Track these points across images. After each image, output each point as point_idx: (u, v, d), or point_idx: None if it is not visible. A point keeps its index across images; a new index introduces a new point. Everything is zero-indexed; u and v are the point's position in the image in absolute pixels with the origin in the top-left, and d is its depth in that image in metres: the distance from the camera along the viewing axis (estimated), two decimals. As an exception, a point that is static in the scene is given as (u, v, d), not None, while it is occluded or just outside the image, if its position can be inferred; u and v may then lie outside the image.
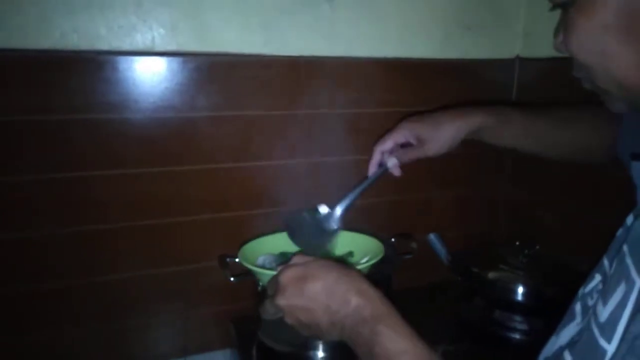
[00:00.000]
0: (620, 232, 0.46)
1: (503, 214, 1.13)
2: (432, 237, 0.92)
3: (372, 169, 0.76)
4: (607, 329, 0.37)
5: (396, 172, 0.75)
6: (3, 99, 0.72)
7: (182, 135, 0.82)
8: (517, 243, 0.92)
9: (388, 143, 0.74)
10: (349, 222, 0.88)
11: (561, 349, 0.44)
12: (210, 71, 0.82)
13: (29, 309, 0.79)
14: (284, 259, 0.71)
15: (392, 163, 0.74)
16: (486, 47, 1.02)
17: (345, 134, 0.93)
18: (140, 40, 0.77)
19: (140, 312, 0.86)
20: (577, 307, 0.46)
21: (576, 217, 0.93)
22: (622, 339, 0.35)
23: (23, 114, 0.73)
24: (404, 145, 0.75)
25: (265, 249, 0.79)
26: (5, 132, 0.72)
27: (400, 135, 0.74)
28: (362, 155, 0.94)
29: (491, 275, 0.87)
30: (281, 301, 0.52)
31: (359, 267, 0.67)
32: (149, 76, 0.78)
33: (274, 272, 0.56)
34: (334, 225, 0.75)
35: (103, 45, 0.75)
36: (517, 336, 0.84)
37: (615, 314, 0.36)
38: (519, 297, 0.83)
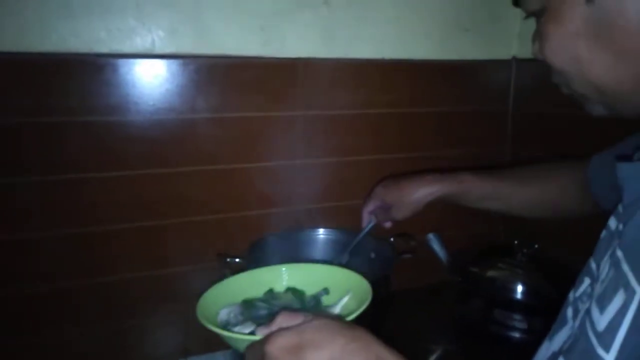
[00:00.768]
0: (604, 234, 0.46)
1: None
2: (431, 236, 0.92)
3: (364, 224, 0.87)
4: (606, 338, 0.36)
5: (386, 225, 0.86)
6: (2, 101, 0.72)
7: (182, 137, 0.82)
8: (516, 242, 0.92)
9: (370, 206, 0.85)
10: (349, 221, 0.88)
11: (555, 355, 0.44)
12: (210, 73, 0.82)
13: (29, 310, 0.79)
14: (251, 309, 0.60)
15: (372, 224, 0.86)
16: (483, 48, 1.02)
17: (344, 135, 0.93)
18: (139, 43, 0.77)
19: (141, 313, 0.86)
20: (569, 312, 0.46)
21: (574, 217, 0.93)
22: (621, 349, 0.35)
23: (22, 117, 0.73)
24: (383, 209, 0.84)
25: (225, 299, 0.62)
26: (4, 135, 0.73)
27: (375, 199, 0.85)
28: (361, 156, 0.95)
29: (490, 274, 0.87)
30: None
31: (350, 317, 0.52)
32: (149, 79, 0.79)
33: (250, 337, 0.46)
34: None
35: (103, 48, 0.75)
36: (516, 335, 0.85)
37: (614, 323, 0.36)
38: (518, 296, 0.84)
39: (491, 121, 1.08)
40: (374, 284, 0.75)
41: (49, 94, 0.74)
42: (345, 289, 0.61)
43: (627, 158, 0.47)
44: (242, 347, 0.48)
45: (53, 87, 0.74)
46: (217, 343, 0.92)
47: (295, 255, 0.91)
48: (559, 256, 0.90)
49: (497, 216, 1.13)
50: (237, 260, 0.82)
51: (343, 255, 0.88)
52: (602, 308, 0.38)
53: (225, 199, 0.87)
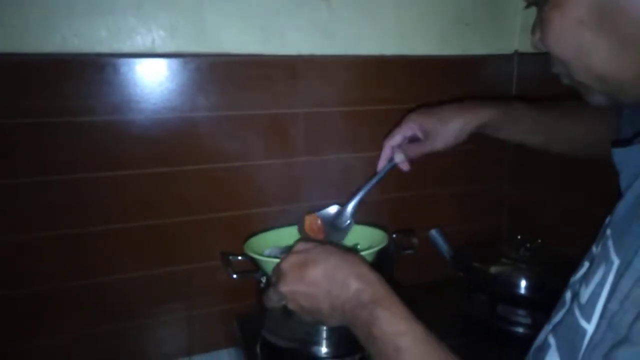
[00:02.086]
0: (608, 219, 0.46)
1: (505, 209, 1.13)
2: (433, 232, 0.92)
3: (382, 163, 0.77)
4: (587, 309, 0.37)
5: (404, 167, 0.75)
6: (3, 102, 0.72)
7: (183, 135, 0.82)
8: (519, 237, 0.92)
9: (397, 137, 0.75)
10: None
11: (548, 332, 0.45)
12: (210, 71, 0.82)
13: (30, 313, 0.79)
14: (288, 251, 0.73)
15: (399, 158, 0.74)
16: (485, 42, 1.02)
17: (345, 132, 0.93)
18: (140, 42, 0.77)
19: (144, 312, 0.86)
20: (568, 294, 0.46)
21: (578, 210, 0.93)
22: (601, 318, 0.35)
23: (24, 117, 0.73)
24: (413, 140, 0.75)
25: (272, 243, 0.81)
26: (6, 136, 0.73)
27: (407, 128, 0.74)
28: (362, 153, 0.95)
29: (493, 269, 0.87)
30: (283, 287, 0.54)
31: (363, 253, 0.68)
32: (150, 77, 0.79)
33: (277, 261, 0.57)
34: (346, 221, 0.80)
35: (103, 48, 0.76)
36: (520, 330, 0.84)
37: (595, 294, 0.37)
38: (522, 291, 0.83)
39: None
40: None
41: (50, 95, 0.74)
42: (370, 243, 0.78)
43: (625, 142, 0.46)
44: (270, 269, 0.62)
45: (54, 88, 0.74)
46: (221, 341, 0.93)
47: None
48: (563, 251, 0.89)
49: (498, 211, 1.13)
50: (239, 258, 0.82)
51: (348, 206, 0.80)
52: (587, 283, 0.39)
53: (227, 197, 0.87)
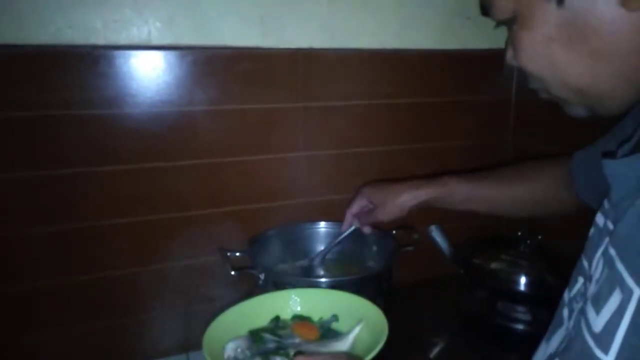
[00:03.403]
0: (592, 231, 0.46)
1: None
2: (433, 229, 0.91)
3: (345, 227, 0.87)
4: (604, 340, 0.36)
5: (365, 230, 0.85)
6: (-3, 95, 0.71)
7: (180, 129, 0.81)
8: (519, 233, 0.91)
9: (354, 207, 0.85)
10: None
11: (551, 357, 0.44)
12: (208, 65, 0.81)
13: (27, 308, 0.78)
14: (259, 342, 0.60)
15: (356, 224, 0.85)
16: (485, 36, 1.00)
17: (345, 126, 0.92)
18: (136, 34, 0.76)
19: (141, 309, 0.86)
20: (565, 312, 0.46)
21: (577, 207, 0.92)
22: (621, 350, 0.34)
23: (18, 110, 0.72)
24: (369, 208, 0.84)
25: (230, 332, 0.61)
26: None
27: (361, 200, 0.84)
28: (361, 147, 0.94)
29: (493, 266, 0.86)
30: None
31: (368, 357, 0.51)
32: (146, 70, 0.77)
33: None
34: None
35: (99, 40, 0.74)
36: (520, 327, 0.84)
37: (612, 323, 0.35)
38: (522, 288, 0.83)
39: (493, 111, 1.07)
40: (377, 277, 0.75)
41: (44, 87, 0.72)
42: (356, 317, 0.60)
43: (611, 154, 0.46)
44: None
45: (48, 80, 0.72)
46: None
47: (296, 249, 0.91)
48: (562, 247, 0.89)
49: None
50: (237, 254, 0.82)
51: (316, 258, 0.88)
52: (598, 308, 0.37)
53: (225, 192, 0.86)
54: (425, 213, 1.01)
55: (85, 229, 0.79)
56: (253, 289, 0.83)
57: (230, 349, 0.57)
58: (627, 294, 0.35)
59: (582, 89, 0.41)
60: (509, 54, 0.46)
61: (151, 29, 0.77)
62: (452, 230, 0.93)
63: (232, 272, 0.76)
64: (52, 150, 0.75)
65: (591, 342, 0.37)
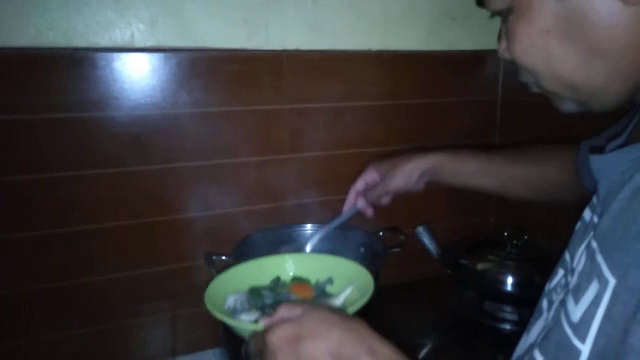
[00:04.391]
0: (579, 226, 0.46)
1: (492, 205, 1.13)
2: (420, 230, 0.92)
3: (347, 207, 0.82)
4: (581, 329, 0.36)
5: (368, 212, 0.81)
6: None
7: (164, 132, 0.80)
8: (506, 234, 0.92)
9: (360, 183, 0.80)
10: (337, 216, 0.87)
11: (531, 347, 0.44)
12: (193, 67, 0.80)
13: (12, 314, 0.77)
14: (257, 298, 0.62)
15: (361, 204, 0.80)
16: (472, 38, 1.01)
17: (332, 128, 0.92)
18: (119, 36, 0.75)
19: (127, 314, 0.85)
20: (544, 303, 0.46)
21: (564, 207, 0.93)
22: (596, 340, 0.35)
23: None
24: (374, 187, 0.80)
25: (232, 287, 0.64)
26: (-19, 133, 0.71)
27: (368, 175, 0.80)
28: (348, 150, 0.94)
29: (480, 266, 0.87)
30: None
31: (350, 309, 0.54)
32: (130, 73, 0.77)
33: (254, 326, 0.48)
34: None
35: (81, 42, 0.73)
36: (507, 327, 0.84)
37: (589, 313, 0.36)
38: (509, 288, 0.83)
39: (480, 111, 1.07)
40: None
41: (26, 91, 0.72)
42: (348, 280, 0.63)
43: (599, 150, 0.46)
44: (245, 334, 0.52)
45: (30, 83, 0.72)
46: (206, 342, 0.91)
47: (282, 252, 0.90)
48: (549, 247, 0.89)
49: (485, 208, 1.13)
50: (223, 258, 0.81)
51: (309, 244, 0.82)
52: (577, 299, 0.38)
53: (211, 195, 0.86)
54: (413, 214, 1.01)
55: (67, 234, 0.78)
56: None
57: (231, 300, 0.62)
58: (604, 285, 0.35)
59: (575, 84, 0.41)
60: (502, 47, 0.45)
61: (134, 31, 0.76)
62: (440, 232, 0.93)
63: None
64: (34, 154, 0.74)
65: (569, 332, 0.38)
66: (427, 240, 0.91)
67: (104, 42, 0.74)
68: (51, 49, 0.72)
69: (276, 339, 0.43)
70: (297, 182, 0.90)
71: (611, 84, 0.39)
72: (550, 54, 0.40)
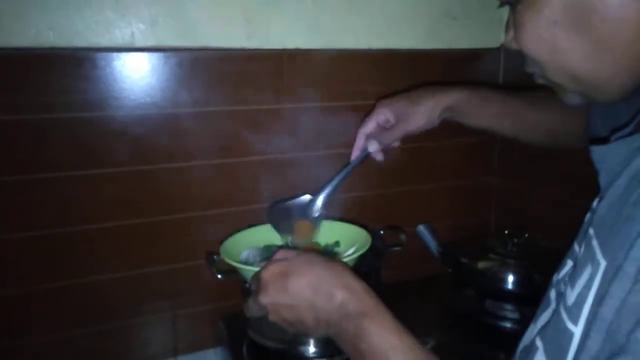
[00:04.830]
0: (588, 216, 0.46)
1: (492, 203, 1.13)
2: (421, 228, 0.92)
3: (355, 153, 0.76)
4: (574, 312, 0.37)
5: (378, 156, 0.74)
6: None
7: (165, 132, 0.80)
8: (506, 232, 0.92)
9: (370, 125, 0.74)
10: (337, 214, 0.87)
11: (536, 335, 0.44)
12: (193, 66, 0.80)
13: (11, 314, 0.77)
14: (269, 252, 0.70)
15: (373, 147, 0.73)
16: (472, 36, 1.01)
17: (332, 127, 0.92)
18: (119, 35, 0.75)
19: (128, 313, 0.85)
20: (552, 293, 0.46)
21: (565, 203, 0.93)
22: (587, 321, 0.35)
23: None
24: (386, 128, 0.74)
25: (249, 243, 0.76)
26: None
27: (380, 114, 0.74)
28: (349, 148, 0.94)
29: (481, 265, 0.87)
30: (264, 299, 0.50)
31: (345, 259, 0.66)
32: (130, 72, 0.77)
33: (257, 269, 0.54)
34: (317, 212, 0.78)
35: (81, 42, 0.73)
36: (508, 325, 0.85)
37: (581, 296, 0.37)
38: (509, 286, 0.83)
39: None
40: (364, 277, 0.75)
41: (26, 90, 0.71)
42: (352, 242, 0.74)
43: (602, 140, 0.46)
44: (249, 277, 0.60)
45: (30, 83, 0.71)
46: (207, 341, 0.91)
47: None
48: (549, 244, 0.90)
49: (486, 206, 1.13)
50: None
51: (318, 197, 0.78)
52: (573, 284, 0.39)
53: (211, 194, 0.86)
54: (413, 212, 1.01)
55: (67, 234, 0.78)
56: (239, 293, 0.82)
57: (244, 254, 0.74)
58: (595, 268, 0.36)
59: (580, 76, 0.40)
60: (509, 36, 0.45)
61: (134, 31, 0.76)
62: (440, 230, 0.94)
63: (219, 276, 0.76)
64: (35, 154, 0.74)
65: (564, 315, 0.38)
66: (427, 238, 0.92)
67: (103, 42, 0.74)
68: (51, 48, 0.71)
69: (267, 275, 0.51)
70: (296, 182, 0.90)
71: (616, 76, 0.39)
72: (556, 45, 0.40)
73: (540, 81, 0.46)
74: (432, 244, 0.92)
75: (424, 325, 0.88)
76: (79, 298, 0.80)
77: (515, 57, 0.47)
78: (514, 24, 0.43)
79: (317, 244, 0.79)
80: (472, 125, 0.74)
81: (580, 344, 0.35)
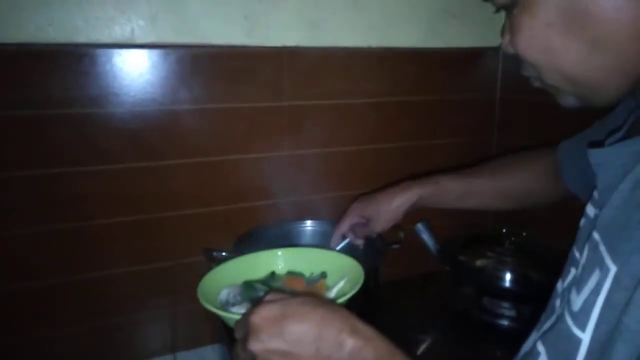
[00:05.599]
0: (583, 222, 0.46)
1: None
2: (419, 226, 0.92)
3: (334, 245, 0.84)
4: (581, 318, 0.37)
5: (358, 242, 0.84)
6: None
7: (164, 128, 0.80)
8: (504, 230, 0.92)
9: (344, 225, 0.84)
10: (335, 212, 0.88)
11: (536, 341, 0.44)
12: (192, 63, 0.80)
13: (9, 310, 0.77)
14: (250, 290, 0.63)
15: (351, 237, 0.84)
16: (470, 35, 1.01)
17: (330, 125, 0.92)
18: (119, 32, 0.75)
19: (127, 309, 0.85)
20: (557, 302, 0.46)
21: (562, 204, 0.94)
22: (596, 327, 0.35)
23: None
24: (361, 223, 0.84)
25: (226, 280, 0.65)
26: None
27: (352, 217, 0.83)
28: (347, 147, 0.94)
29: (478, 263, 0.87)
30: (255, 345, 0.43)
31: (339, 300, 0.56)
32: (130, 69, 0.77)
33: (238, 315, 0.49)
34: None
35: (80, 38, 0.73)
36: (505, 322, 0.85)
37: (589, 302, 0.36)
38: (507, 284, 0.84)
39: (479, 109, 1.07)
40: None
41: (26, 86, 0.71)
42: (341, 273, 0.64)
43: (598, 144, 0.47)
44: (233, 324, 0.51)
45: (30, 79, 0.71)
46: (206, 338, 0.91)
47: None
48: (547, 244, 0.90)
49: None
50: (223, 254, 0.81)
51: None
52: (578, 290, 0.38)
53: (210, 192, 0.86)
54: (412, 210, 1.01)
55: (65, 230, 0.78)
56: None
57: (224, 294, 0.63)
58: (605, 273, 0.36)
59: (575, 78, 0.41)
60: (506, 40, 0.45)
61: (134, 27, 0.76)
62: (439, 228, 0.94)
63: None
64: (33, 150, 0.74)
65: (570, 321, 0.38)
66: (425, 236, 0.92)
67: (103, 38, 0.74)
68: (51, 44, 0.71)
69: (259, 319, 0.44)
70: (296, 179, 0.90)
71: (611, 78, 0.40)
72: (552, 48, 0.40)
73: (537, 84, 0.46)
74: (430, 242, 0.92)
75: (421, 322, 0.89)
76: (77, 295, 0.80)
77: (515, 58, 0.47)
78: (509, 28, 0.43)
79: (301, 275, 0.69)
80: (442, 208, 0.80)
81: (590, 350, 0.35)
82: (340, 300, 0.55)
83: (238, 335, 0.47)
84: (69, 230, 0.78)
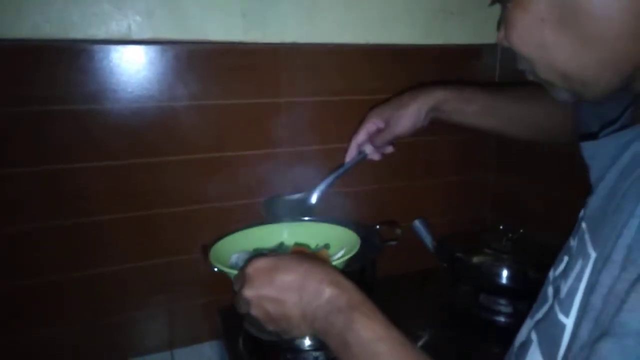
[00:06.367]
0: (582, 213, 0.46)
1: (488, 199, 1.14)
2: (417, 223, 0.92)
3: (349, 158, 0.81)
4: (566, 304, 0.38)
5: (375, 156, 0.80)
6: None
7: (162, 125, 0.80)
8: (501, 227, 0.92)
9: (361, 135, 0.79)
10: (333, 209, 0.88)
11: (530, 329, 0.45)
12: (190, 59, 0.80)
13: (11, 306, 0.77)
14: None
15: (368, 149, 0.79)
16: (469, 32, 1.01)
17: (328, 122, 0.92)
18: (115, 28, 0.75)
19: (125, 306, 0.85)
20: (550, 290, 0.47)
21: (560, 200, 0.94)
22: (579, 312, 0.36)
23: (-4, 106, 0.71)
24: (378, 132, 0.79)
25: (238, 247, 0.74)
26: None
27: (370, 123, 0.79)
28: (345, 143, 0.94)
29: (476, 260, 0.87)
30: (249, 292, 0.50)
31: (334, 262, 0.65)
32: (127, 65, 0.76)
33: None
34: (311, 205, 0.81)
35: (77, 34, 0.73)
36: (502, 319, 0.85)
37: (573, 288, 0.37)
38: (504, 281, 0.84)
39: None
40: (360, 272, 0.77)
41: (21, 83, 0.71)
42: (342, 244, 0.73)
43: (592, 136, 0.47)
44: None
45: (26, 75, 0.71)
46: (203, 335, 0.92)
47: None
48: (545, 240, 0.90)
49: (482, 201, 1.13)
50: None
51: (313, 194, 0.82)
52: (566, 277, 0.39)
53: (209, 189, 0.86)
54: (409, 207, 1.02)
55: (64, 227, 0.78)
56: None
57: (234, 258, 0.72)
58: (586, 260, 0.36)
59: (568, 73, 0.41)
60: (501, 34, 0.45)
61: (131, 23, 0.75)
62: (436, 225, 0.94)
63: (215, 269, 0.76)
64: (31, 146, 0.73)
65: (557, 308, 0.39)
66: (423, 233, 0.92)
67: (100, 34, 0.74)
68: (47, 40, 0.71)
69: (252, 270, 0.51)
70: (293, 176, 0.90)
71: (603, 73, 0.40)
72: (544, 43, 0.40)
73: (531, 78, 0.47)
74: (427, 238, 0.92)
75: (419, 319, 0.89)
76: (75, 292, 0.81)
77: (512, 53, 0.47)
78: (504, 22, 0.44)
79: (307, 246, 0.78)
80: (457, 123, 0.77)
81: (572, 335, 0.35)
82: (336, 263, 0.64)
83: (236, 286, 0.52)
84: (65, 227, 0.78)
